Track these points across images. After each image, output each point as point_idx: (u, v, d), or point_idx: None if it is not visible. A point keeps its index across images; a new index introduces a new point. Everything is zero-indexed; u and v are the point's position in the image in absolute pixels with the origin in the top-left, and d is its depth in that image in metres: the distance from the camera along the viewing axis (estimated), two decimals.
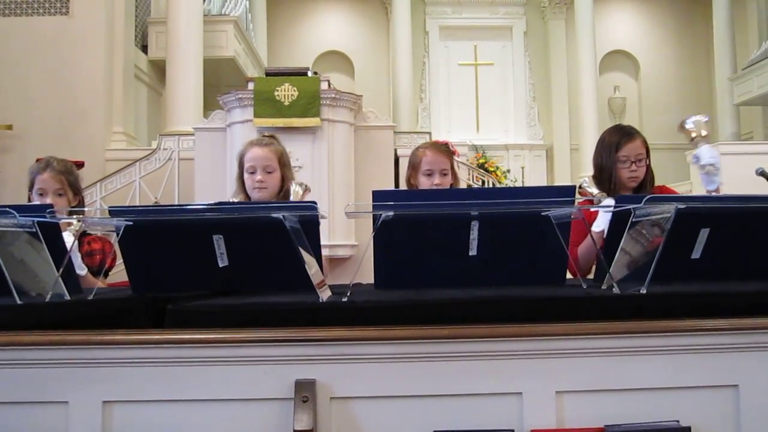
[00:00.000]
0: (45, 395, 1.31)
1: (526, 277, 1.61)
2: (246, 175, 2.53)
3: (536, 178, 12.58)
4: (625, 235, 1.44)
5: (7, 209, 1.43)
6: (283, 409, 1.29)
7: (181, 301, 1.40)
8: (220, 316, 1.35)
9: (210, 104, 8.09)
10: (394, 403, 1.31)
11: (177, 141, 7.29)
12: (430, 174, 2.60)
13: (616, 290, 1.41)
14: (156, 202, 6.73)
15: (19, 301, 1.39)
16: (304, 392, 1.27)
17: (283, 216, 1.38)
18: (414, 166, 2.66)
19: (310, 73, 6.18)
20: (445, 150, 2.66)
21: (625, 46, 13.74)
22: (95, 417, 1.30)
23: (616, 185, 2.49)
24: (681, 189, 8.84)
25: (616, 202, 1.57)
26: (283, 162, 2.56)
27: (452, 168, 2.66)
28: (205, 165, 6.15)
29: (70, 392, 1.31)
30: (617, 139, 2.53)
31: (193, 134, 6.65)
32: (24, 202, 2.76)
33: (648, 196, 1.41)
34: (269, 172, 2.51)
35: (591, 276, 2.17)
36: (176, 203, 6.42)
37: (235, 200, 2.56)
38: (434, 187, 2.54)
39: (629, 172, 2.48)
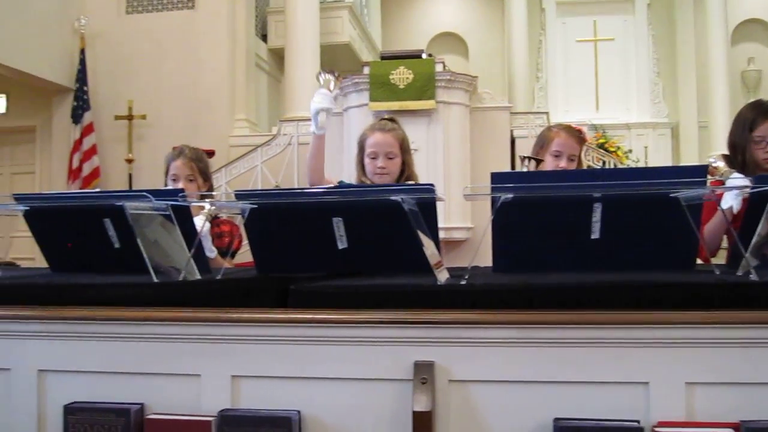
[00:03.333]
0: (180, 368, 1.39)
1: (653, 262, 1.54)
2: (367, 160, 2.53)
3: (660, 159, 11.96)
4: (763, 218, 1.34)
5: (144, 193, 1.52)
6: (402, 390, 1.30)
7: (303, 282, 1.44)
8: (340, 297, 1.37)
9: None
10: (514, 388, 1.29)
11: (296, 126, 7.49)
12: (558, 155, 2.55)
13: (753, 277, 1.32)
14: (277, 186, 6.96)
15: (156, 280, 1.48)
16: (423, 374, 1.27)
17: (402, 198, 1.38)
18: (543, 145, 2.62)
19: (424, 56, 6.17)
20: (578, 136, 2.61)
21: (762, 14, 12.74)
22: (225, 390, 1.37)
23: (750, 166, 2.30)
24: None
25: (755, 182, 1.46)
26: (405, 147, 2.54)
27: (580, 156, 2.61)
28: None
29: (203, 366, 1.38)
30: (753, 116, 2.32)
31: (311, 119, 6.79)
32: (157, 186, 2.95)
33: None
34: (391, 158, 2.50)
35: (714, 259, 2.05)
36: (297, 187, 6.61)
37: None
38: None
39: (764, 153, 2.28)
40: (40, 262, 1.99)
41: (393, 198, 1.39)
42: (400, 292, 1.36)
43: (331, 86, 2.47)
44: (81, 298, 1.48)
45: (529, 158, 2.43)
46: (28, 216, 1.77)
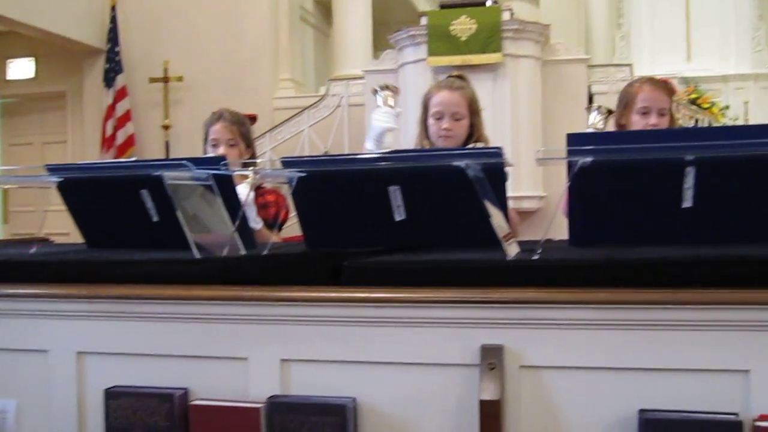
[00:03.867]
0: (226, 351, 1.43)
1: (754, 234, 1.49)
2: (431, 121, 2.54)
3: (763, 116, 11.55)
4: None
5: (183, 162, 1.55)
6: (467, 377, 1.30)
7: (357, 257, 1.46)
8: (399, 274, 1.38)
9: (380, 44, 8.22)
10: (593, 375, 1.28)
11: (346, 86, 7.50)
12: (645, 112, 2.51)
13: None
14: (326, 152, 7.00)
15: (198, 256, 1.51)
16: (491, 359, 1.27)
17: (466, 164, 1.37)
18: (626, 104, 2.58)
19: (489, 3, 6.08)
20: (665, 87, 2.56)
21: None
22: (274, 375, 1.40)
23: None
24: None
25: None
26: (474, 108, 2.54)
27: (671, 110, 2.55)
28: None
29: (250, 349, 1.41)
30: None
31: (362, 78, 6.81)
32: (196, 154, 3.00)
33: None
34: (457, 119, 2.50)
35: None
36: (347, 153, 6.64)
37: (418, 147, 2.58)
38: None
39: None
40: (75, 237, 2.06)
41: (456, 163, 1.38)
42: (465, 269, 1.36)
43: (391, 102, 2.51)
44: (119, 275, 1.53)
45: (597, 107, 2.39)
46: (62, 188, 1.83)
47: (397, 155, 1.53)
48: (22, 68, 9.31)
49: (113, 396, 1.45)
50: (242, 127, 2.72)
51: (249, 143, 2.74)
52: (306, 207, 1.65)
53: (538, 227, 5.36)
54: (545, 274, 1.32)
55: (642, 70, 9.81)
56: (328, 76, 8.47)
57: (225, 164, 1.61)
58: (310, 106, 7.67)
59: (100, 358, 1.51)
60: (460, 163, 1.38)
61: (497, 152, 1.41)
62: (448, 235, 1.62)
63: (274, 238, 2.29)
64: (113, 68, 8.29)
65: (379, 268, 1.41)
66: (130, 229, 1.84)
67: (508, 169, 1.54)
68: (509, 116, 5.78)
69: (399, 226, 1.59)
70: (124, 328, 1.49)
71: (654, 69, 10.94)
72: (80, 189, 1.84)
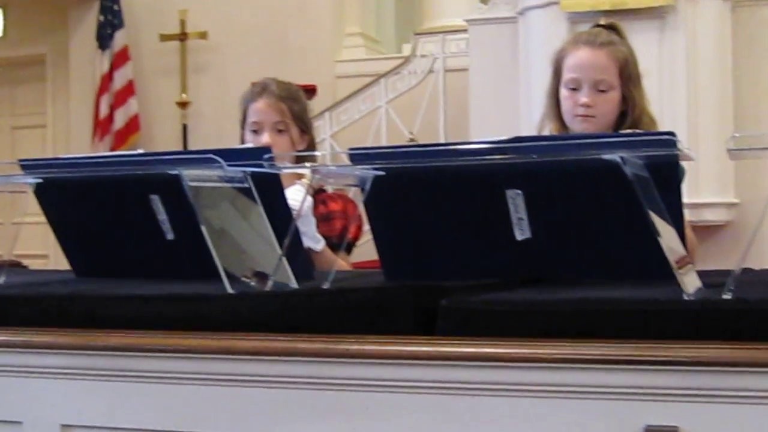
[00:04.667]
0: (271, 427, 1.45)
1: None
2: (564, 93, 2.52)
3: None
4: None
5: (210, 156, 1.57)
6: None
7: (460, 294, 1.46)
8: (522, 319, 1.38)
9: None
10: None
11: (441, 42, 7.50)
12: None
13: None
14: (412, 140, 7.00)
15: (230, 290, 1.54)
16: None
17: (621, 158, 1.36)
18: None
19: None
20: None
21: None
22: None
23: None
24: None
25: None
26: (628, 74, 2.51)
27: None
28: (485, 78, 6.26)
29: (306, 424, 1.43)
30: None
31: (465, 30, 6.80)
32: (229, 144, 3.05)
33: None
34: (602, 91, 2.47)
35: None
36: (444, 141, 6.62)
37: (544, 132, 2.56)
38: None
39: None
40: (57, 261, 2.12)
41: (607, 157, 1.37)
42: (619, 312, 1.35)
43: None
44: (120, 317, 1.57)
45: None
46: (41, 192, 1.88)
47: (517, 145, 1.51)
48: None
49: None
50: (295, 104, 2.74)
51: (305, 127, 2.76)
52: (384, 220, 1.66)
53: (729, 250, 5.24)
54: (742, 320, 1.29)
55: None
56: (414, 30, 8.50)
57: (270, 158, 1.63)
58: (389, 72, 7.70)
59: None
60: (612, 156, 1.37)
61: (668, 140, 1.39)
62: (592, 261, 1.61)
63: (341, 263, 2.30)
64: (110, 22, 8.49)
65: (493, 309, 1.41)
66: (135, 251, 1.88)
67: (684, 164, 1.51)
68: (683, 84, 5.67)
69: (521, 248, 1.59)
70: (125, 393, 1.53)
71: None
72: (65, 194, 1.89)
